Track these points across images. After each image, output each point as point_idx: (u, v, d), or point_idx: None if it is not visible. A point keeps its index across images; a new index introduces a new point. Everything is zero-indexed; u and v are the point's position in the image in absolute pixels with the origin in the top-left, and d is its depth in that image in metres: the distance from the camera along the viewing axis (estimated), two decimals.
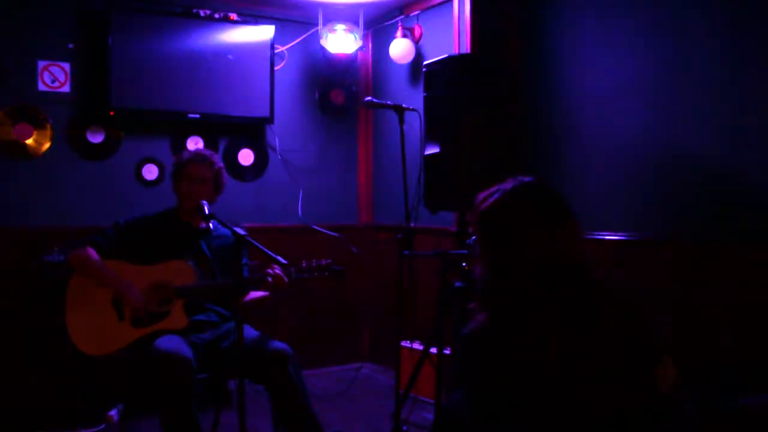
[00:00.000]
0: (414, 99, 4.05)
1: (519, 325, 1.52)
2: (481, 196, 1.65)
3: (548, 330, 1.49)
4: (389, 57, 4.35)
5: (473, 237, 1.67)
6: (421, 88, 3.41)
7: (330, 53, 4.54)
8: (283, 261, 2.66)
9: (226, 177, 3.20)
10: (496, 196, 1.61)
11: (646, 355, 1.54)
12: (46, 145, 3.84)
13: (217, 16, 4.18)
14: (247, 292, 2.97)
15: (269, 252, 2.61)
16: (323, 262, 2.99)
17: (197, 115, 4.12)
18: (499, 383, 1.50)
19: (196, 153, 3.16)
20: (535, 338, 1.49)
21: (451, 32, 3.94)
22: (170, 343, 2.70)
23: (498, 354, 1.51)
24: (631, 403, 1.51)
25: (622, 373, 1.50)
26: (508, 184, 1.62)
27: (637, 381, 1.52)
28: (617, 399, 1.49)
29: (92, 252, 2.89)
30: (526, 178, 1.63)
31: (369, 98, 3.51)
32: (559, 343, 1.48)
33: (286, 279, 2.88)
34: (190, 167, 3.06)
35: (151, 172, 4.13)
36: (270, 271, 2.87)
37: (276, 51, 4.40)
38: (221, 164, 3.16)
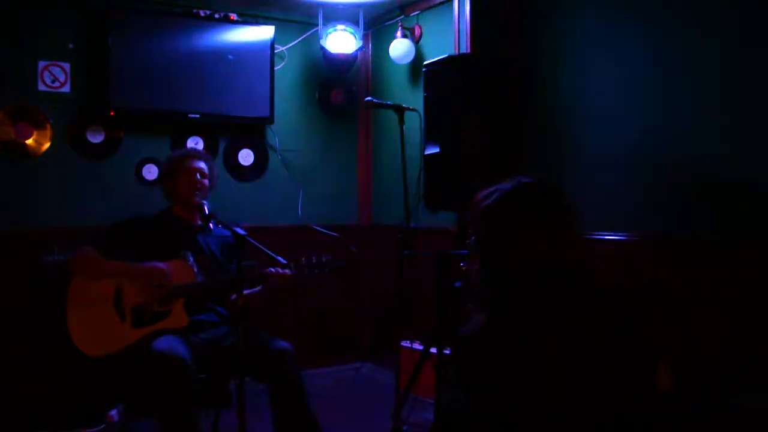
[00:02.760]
0: (414, 99, 4.04)
1: (517, 326, 1.52)
2: (481, 195, 1.65)
3: (546, 332, 1.49)
4: (389, 57, 4.35)
5: (471, 237, 1.67)
6: (421, 88, 3.42)
7: (330, 53, 4.54)
8: (283, 261, 2.67)
9: (217, 172, 3.24)
10: (495, 195, 1.61)
11: (645, 358, 1.54)
12: (46, 145, 3.84)
13: (217, 16, 4.18)
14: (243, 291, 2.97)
15: (269, 252, 2.61)
16: (324, 258, 2.99)
17: (197, 115, 4.12)
18: (497, 385, 1.50)
19: (190, 149, 3.19)
20: (532, 340, 1.49)
21: (451, 32, 3.94)
22: (167, 343, 2.70)
23: (495, 356, 1.50)
24: (630, 406, 1.50)
25: (621, 376, 1.50)
26: (507, 184, 1.62)
27: (635, 383, 1.52)
28: (616, 401, 1.49)
29: (92, 251, 2.89)
30: (526, 179, 1.63)
31: (369, 98, 3.52)
32: (557, 345, 1.48)
33: (287, 277, 2.88)
34: (187, 162, 3.08)
35: (151, 172, 4.13)
36: (271, 269, 2.87)
37: (276, 51, 4.40)
38: (210, 158, 3.23)
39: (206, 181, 3.10)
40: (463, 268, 2.20)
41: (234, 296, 2.96)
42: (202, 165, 3.11)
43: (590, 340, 1.49)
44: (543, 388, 1.47)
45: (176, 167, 3.09)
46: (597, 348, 1.49)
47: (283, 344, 2.85)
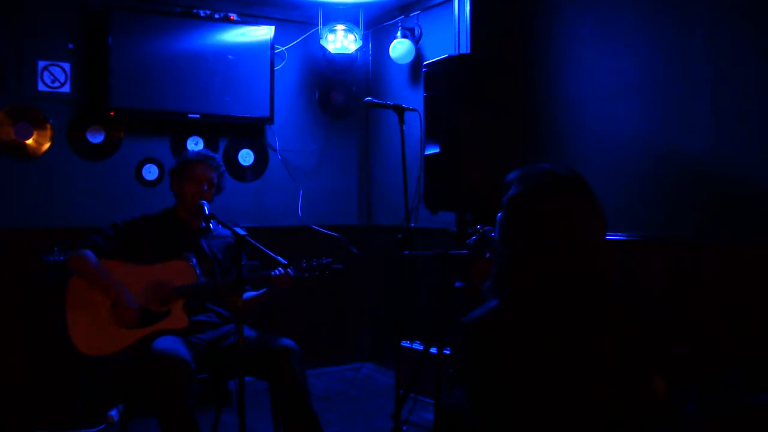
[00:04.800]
0: (414, 99, 4.05)
1: (524, 316, 1.51)
2: (512, 176, 1.61)
3: (551, 328, 1.49)
4: (389, 57, 4.35)
5: (498, 214, 1.62)
6: (421, 88, 3.41)
7: (330, 53, 4.54)
8: (283, 261, 2.67)
9: (227, 178, 3.22)
10: (528, 183, 1.57)
11: (645, 361, 1.54)
12: (46, 145, 3.84)
13: (217, 16, 4.18)
14: (244, 292, 2.96)
15: (269, 252, 2.61)
16: (324, 261, 2.99)
17: (197, 115, 4.12)
18: (499, 375, 1.50)
19: (203, 154, 3.14)
20: (537, 332, 1.49)
21: (451, 32, 3.94)
22: (168, 343, 2.70)
23: (500, 345, 1.50)
24: (629, 405, 1.50)
25: (621, 375, 1.50)
26: (542, 172, 1.59)
27: (635, 384, 1.52)
28: (615, 400, 1.49)
29: (90, 255, 2.87)
30: (562, 170, 1.60)
31: (369, 98, 3.52)
32: (560, 342, 1.48)
33: (287, 279, 2.88)
34: (198, 168, 3.05)
35: (151, 172, 4.13)
36: (273, 272, 2.87)
37: (276, 51, 4.40)
38: (223, 166, 3.18)
39: (213, 191, 3.09)
40: (480, 230, 2.17)
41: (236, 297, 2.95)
42: (212, 174, 3.07)
43: (593, 341, 1.49)
44: (542, 383, 1.47)
45: (186, 172, 3.05)
46: (598, 348, 1.49)
47: (288, 342, 2.85)
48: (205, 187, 3.04)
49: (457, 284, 3.14)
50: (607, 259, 1.56)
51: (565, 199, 1.54)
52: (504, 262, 1.56)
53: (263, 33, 4.32)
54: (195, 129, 4.26)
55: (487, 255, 2.11)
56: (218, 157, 3.19)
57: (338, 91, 4.78)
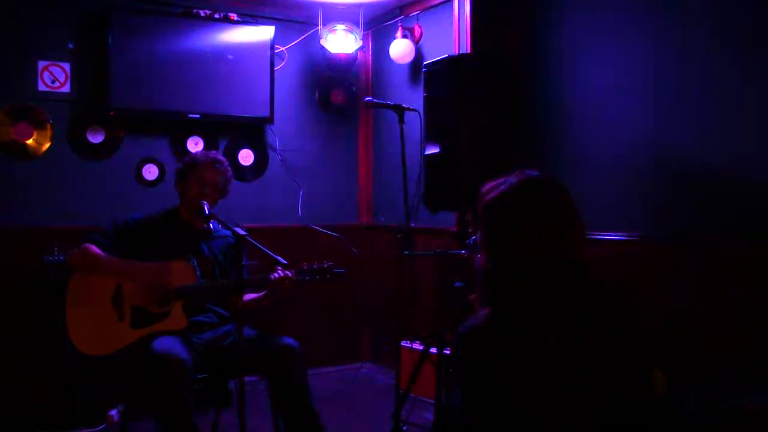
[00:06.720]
0: (414, 99, 4.05)
1: (519, 321, 1.51)
2: (487, 187, 1.63)
3: (546, 330, 1.49)
4: (389, 57, 4.35)
5: (476, 228, 1.65)
6: (421, 88, 3.42)
7: (330, 53, 4.54)
8: (283, 261, 2.66)
9: (231, 183, 3.18)
10: (501, 188, 1.59)
11: (642, 359, 1.54)
12: (46, 145, 3.84)
13: (217, 16, 4.18)
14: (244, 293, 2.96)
15: (269, 252, 2.61)
16: (325, 264, 2.98)
17: (197, 115, 4.13)
18: (498, 382, 1.50)
19: (212, 157, 3.08)
20: (533, 337, 1.49)
21: (451, 32, 3.94)
22: (167, 344, 2.69)
23: (498, 352, 1.50)
24: (628, 405, 1.50)
25: (618, 376, 1.50)
26: (514, 177, 1.61)
27: (632, 384, 1.52)
28: (613, 401, 1.49)
29: (93, 247, 2.87)
30: (533, 172, 1.62)
31: (369, 98, 3.52)
32: (556, 344, 1.48)
33: (288, 281, 2.88)
34: (207, 172, 3.01)
35: (151, 172, 4.13)
36: (274, 275, 2.86)
37: (276, 51, 4.40)
38: (231, 171, 3.14)
39: (216, 195, 3.07)
40: (464, 255, 2.19)
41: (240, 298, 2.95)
42: (219, 179, 3.04)
43: (589, 338, 1.49)
44: (541, 387, 1.47)
45: (192, 174, 3.03)
46: (595, 347, 1.49)
47: (290, 341, 2.85)
48: (209, 191, 3.02)
49: (457, 284, 3.14)
50: (586, 254, 1.57)
51: (537, 197, 1.56)
52: (488, 269, 1.58)
53: (263, 33, 4.32)
54: (195, 129, 4.26)
55: None
56: (226, 162, 3.15)
57: (338, 91, 4.78)
